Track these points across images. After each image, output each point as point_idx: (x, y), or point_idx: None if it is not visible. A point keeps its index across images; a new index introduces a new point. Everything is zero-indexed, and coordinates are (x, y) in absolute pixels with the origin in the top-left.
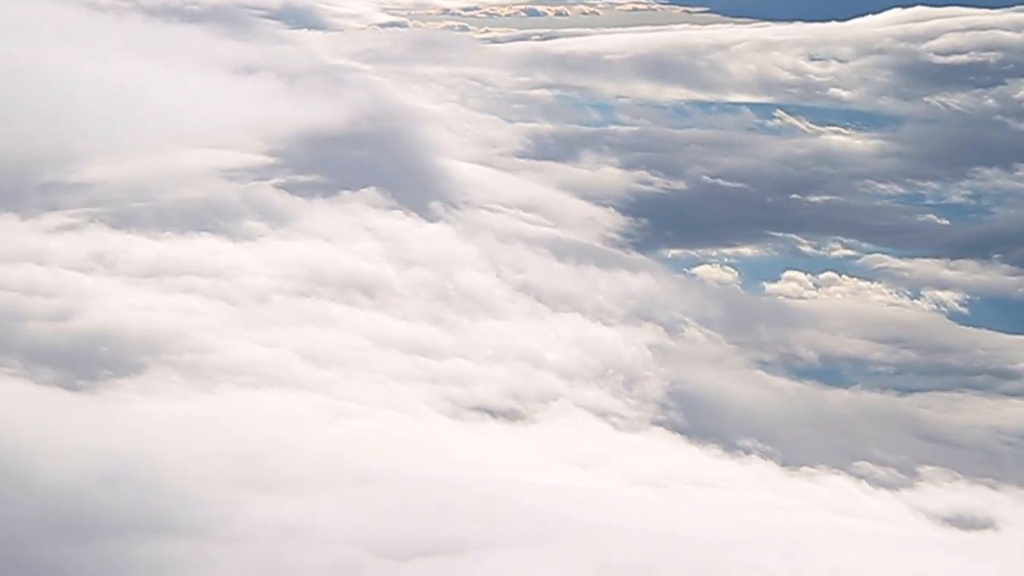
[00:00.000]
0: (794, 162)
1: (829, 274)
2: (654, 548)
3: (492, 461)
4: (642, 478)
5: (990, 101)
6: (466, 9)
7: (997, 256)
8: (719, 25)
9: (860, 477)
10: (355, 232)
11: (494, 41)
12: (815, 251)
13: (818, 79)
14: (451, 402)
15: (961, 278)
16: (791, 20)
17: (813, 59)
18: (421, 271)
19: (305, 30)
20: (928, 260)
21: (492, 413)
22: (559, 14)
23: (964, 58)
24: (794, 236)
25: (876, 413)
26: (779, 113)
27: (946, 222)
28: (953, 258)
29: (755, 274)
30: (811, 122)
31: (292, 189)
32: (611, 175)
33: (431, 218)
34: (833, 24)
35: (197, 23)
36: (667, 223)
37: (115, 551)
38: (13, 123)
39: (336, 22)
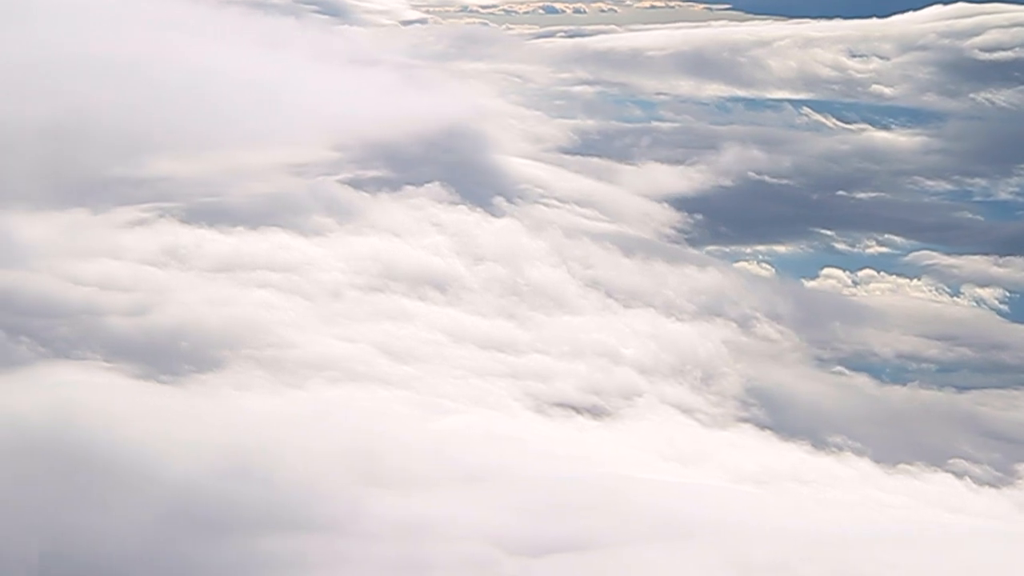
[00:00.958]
0: (838, 159)
1: (868, 271)
2: (788, 545)
3: (596, 457)
4: (744, 475)
5: None
6: (484, 7)
7: None
8: (748, 22)
9: (960, 475)
10: (423, 227)
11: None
12: (856, 248)
13: (860, 76)
14: (533, 398)
15: (1009, 275)
16: (819, 17)
17: (854, 56)
18: (492, 266)
19: (345, 26)
20: (976, 257)
21: (576, 409)
22: (577, 11)
23: (1009, 54)
24: (839, 233)
25: (939, 411)
26: (821, 109)
27: (993, 219)
28: (1001, 255)
29: (794, 271)
30: (854, 118)
31: (356, 184)
32: (655, 171)
33: (495, 213)
34: (874, 20)
35: (278, 15)
36: (717, 219)
37: (249, 548)
38: (106, 115)
39: (368, 18)
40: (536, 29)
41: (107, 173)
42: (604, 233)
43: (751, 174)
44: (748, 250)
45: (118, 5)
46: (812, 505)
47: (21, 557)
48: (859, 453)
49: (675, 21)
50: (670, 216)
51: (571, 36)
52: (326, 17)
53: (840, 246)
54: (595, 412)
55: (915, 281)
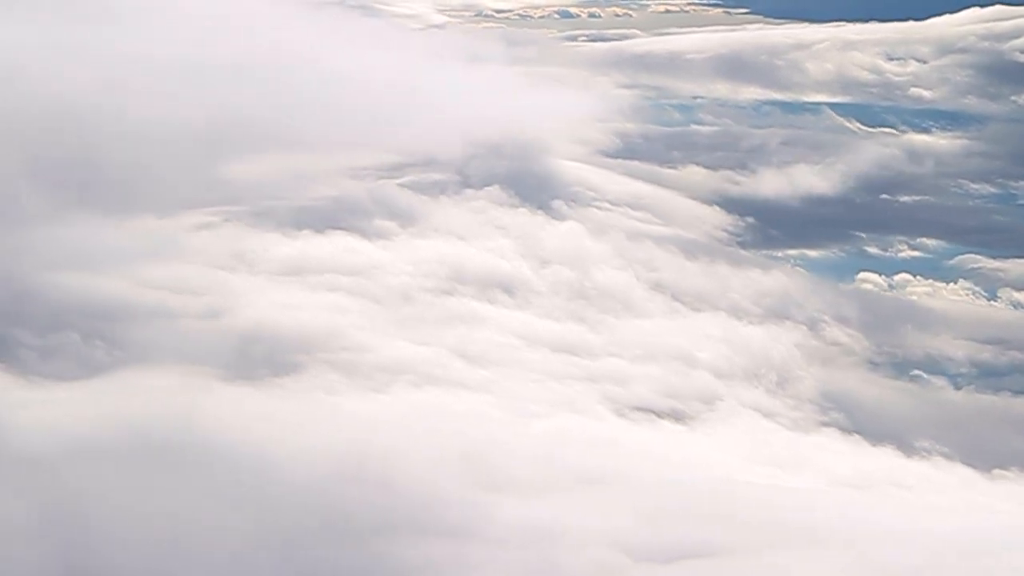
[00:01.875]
0: (879, 162)
1: (904, 275)
2: (919, 550)
3: (694, 461)
4: (841, 479)
5: None
6: (499, 11)
7: None
8: (782, 26)
9: None
10: (486, 230)
11: None
12: (889, 252)
13: (898, 79)
14: (613, 402)
15: None
16: (842, 20)
17: (891, 59)
18: (558, 269)
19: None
20: (1020, 260)
21: (656, 413)
22: (592, 16)
23: None
24: (880, 236)
25: (1012, 415)
26: (860, 112)
27: None
28: None
29: (831, 275)
30: (893, 122)
31: (416, 187)
32: (697, 174)
33: (556, 216)
34: (911, 23)
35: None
36: (767, 223)
37: (379, 551)
38: (182, 116)
39: (398, 23)
40: (555, 33)
41: (177, 176)
42: (662, 236)
43: (795, 177)
44: (780, 254)
45: (205, 7)
46: (922, 510)
47: (159, 558)
48: (948, 458)
49: (694, 25)
50: (722, 219)
51: (593, 40)
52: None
53: (876, 249)
54: (676, 416)
55: (952, 285)
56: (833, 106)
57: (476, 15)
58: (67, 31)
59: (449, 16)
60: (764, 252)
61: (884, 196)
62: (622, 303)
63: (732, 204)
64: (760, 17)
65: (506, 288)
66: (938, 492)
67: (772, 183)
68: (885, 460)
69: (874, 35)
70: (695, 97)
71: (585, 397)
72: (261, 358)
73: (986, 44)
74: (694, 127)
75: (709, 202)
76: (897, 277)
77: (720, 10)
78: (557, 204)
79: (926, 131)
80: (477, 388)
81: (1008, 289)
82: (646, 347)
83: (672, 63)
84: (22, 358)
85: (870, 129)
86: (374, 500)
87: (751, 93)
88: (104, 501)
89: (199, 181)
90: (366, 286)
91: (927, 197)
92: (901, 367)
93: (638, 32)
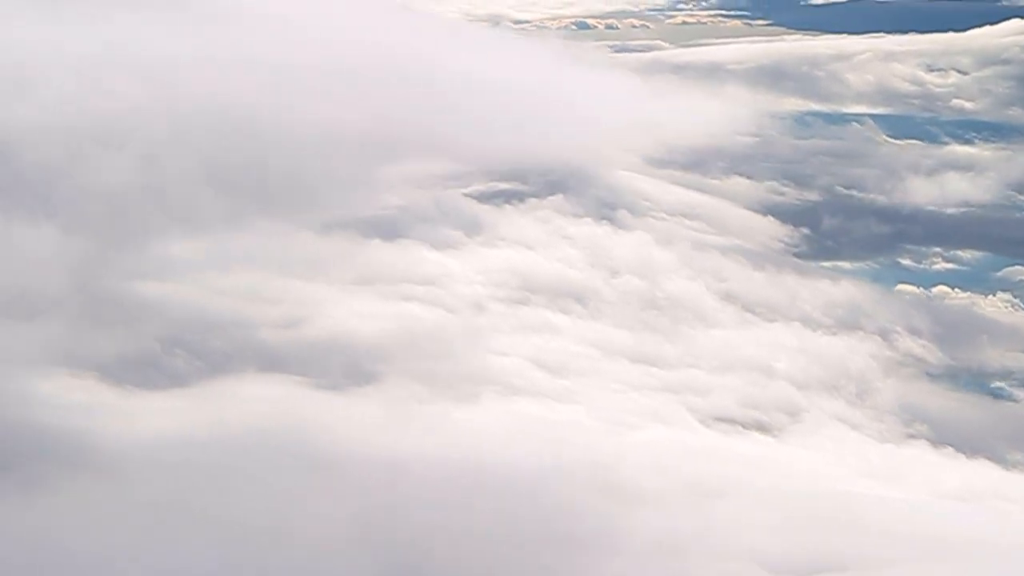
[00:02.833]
0: (923, 173)
1: (942, 287)
2: None
3: (799, 472)
4: (945, 492)
5: None
6: (517, 22)
7: None
8: (801, 37)
9: None
10: (553, 240)
11: None
12: (934, 264)
13: (939, 90)
14: (695, 412)
15: None
16: (858, 32)
17: (932, 70)
18: (628, 279)
19: None
20: None
21: (743, 424)
22: (609, 27)
23: None
24: (925, 247)
25: None
26: (901, 124)
27: None
28: None
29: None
30: (935, 133)
31: (480, 197)
32: (741, 185)
33: (619, 225)
34: (951, 35)
35: None
36: (820, 233)
37: (527, 561)
38: (258, 120)
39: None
40: (591, 43)
41: (250, 184)
42: (723, 246)
43: (839, 188)
44: (830, 264)
45: (280, 9)
46: None
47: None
48: None
49: (717, 37)
50: (777, 229)
51: (618, 51)
52: None
53: (910, 261)
54: (760, 427)
55: (991, 297)
56: (874, 117)
57: (496, 26)
58: (188, 33)
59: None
60: (829, 264)
61: (931, 208)
62: (694, 313)
63: (781, 215)
64: (783, 28)
65: (577, 298)
66: None
67: (817, 194)
68: (983, 473)
69: (915, 46)
70: (738, 107)
71: (669, 408)
72: (340, 368)
73: None
74: (736, 137)
75: (767, 212)
76: (935, 289)
77: (739, 22)
78: (621, 214)
79: (969, 142)
80: (560, 398)
81: None
82: (723, 358)
83: (712, 73)
84: (108, 367)
85: (912, 140)
86: (507, 510)
87: (793, 104)
88: (260, 506)
89: (269, 188)
90: (439, 295)
91: (972, 209)
92: (977, 378)
93: (662, 43)
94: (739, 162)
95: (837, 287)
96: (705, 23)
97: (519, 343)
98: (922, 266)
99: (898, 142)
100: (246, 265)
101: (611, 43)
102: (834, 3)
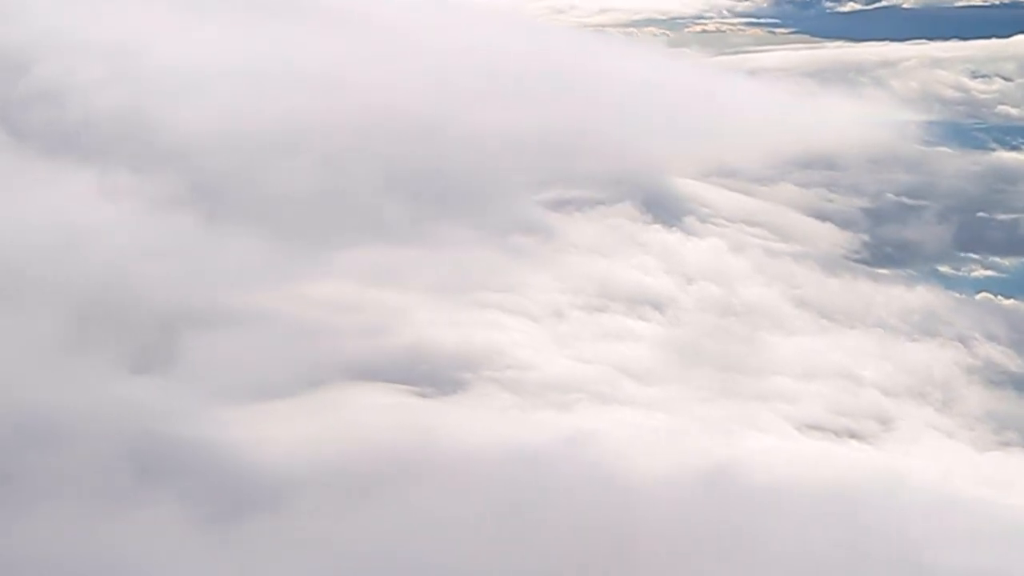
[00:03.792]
0: (973, 179)
1: (984, 295)
2: None
3: (919, 480)
4: None
5: None
6: None
7: None
8: (826, 44)
9: None
10: (626, 246)
11: None
12: (972, 271)
13: (984, 96)
14: (787, 420)
15: None
16: (887, 39)
17: (976, 76)
18: (705, 285)
19: None
20: None
21: (835, 432)
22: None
23: None
24: (979, 254)
25: None
26: (947, 130)
27: None
28: None
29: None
30: (983, 139)
31: (550, 204)
32: (789, 191)
33: (688, 232)
34: (994, 41)
35: None
36: (879, 240)
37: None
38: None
39: None
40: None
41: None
42: (790, 252)
43: (889, 195)
44: (888, 272)
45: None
46: None
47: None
48: None
49: (740, 45)
50: (837, 236)
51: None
52: None
53: (948, 268)
54: (853, 435)
55: None
56: (920, 123)
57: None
58: (336, 40)
59: None
60: (881, 269)
61: (981, 214)
62: (772, 320)
63: (836, 222)
64: (808, 36)
65: (655, 305)
66: None
67: (867, 200)
68: None
69: (960, 53)
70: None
71: (762, 416)
72: (426, 376)
73: None
74: (782, 144)
75: (825, 219)
76: (979, 296)
77: (760, 30)
78: (689, 221)
79: (1016, 148)
80: (652, 407)
81: None
82: (807, 365)
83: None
84: (201, 375)
85: (959, 147)
86: (662, 518)
87: (837, 110)
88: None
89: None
90: (517, 302)
91: (1022, 215)
92: None
93: (687, 52)
94: (785, 168)
95: (911, 293)
96: (725, 31)
97: (602, 351)
98: (975, 274)
99: (945, 148)
100: (326, 275)
101: None
102: (861, 10)
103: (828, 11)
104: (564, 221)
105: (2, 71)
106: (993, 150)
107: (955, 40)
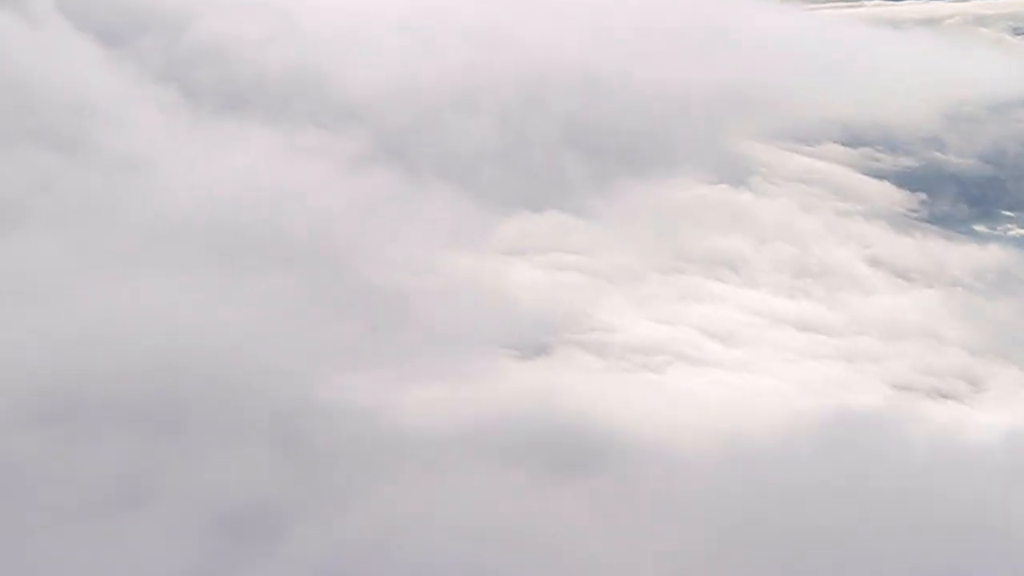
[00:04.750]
0: (1016, 139)
1: None
2: None
3: None
4: None
5: None
6: None
7: None
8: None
9: None
10: (696, 207)
11: None
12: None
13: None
14: (876, 380)
15: None
16: None
17: (1018, 33)
18: (779, 246)
19: None
20: None
21: (926, 392)
22: None
23: None
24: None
25: None
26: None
27: None
28: None
29: None
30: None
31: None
32: (835, 151)
33: (758, 192)
34: None
35: None
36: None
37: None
38: None
39: None
40: None
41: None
42: (856, 211)
43: (936, 154)
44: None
45: None
46: None
47: None
48: None
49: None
50: (895, 195)
51: None
52: None
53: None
54: (943, 395)
55: None
56: None
57: None
58: None
59: None
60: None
61: None
62: (847, 279)
63: (892, 181)
64: None
65: (731, 266)
66: None
67: (912, 160)
68: None
69: (1003, 10)
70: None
71: (851, 376)
72: (508, 339)
73: None
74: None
75: (882, 177)
76: None
77: None
78: (756, 180)
79: None
80: (738, 368)
81: None
82: (888, 324)
83: None
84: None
85: (1001, 104)
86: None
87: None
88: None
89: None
90: (592, 264)
91: None
92: None
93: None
94: (830, 128)
95: (984, 251)
96: None
97: (682, 312)
98: (996, 232)
99: (989, 110)
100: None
101: None
102: None
103: None
104: (626, 182)
105: (163, 30)
106: None
107: None
